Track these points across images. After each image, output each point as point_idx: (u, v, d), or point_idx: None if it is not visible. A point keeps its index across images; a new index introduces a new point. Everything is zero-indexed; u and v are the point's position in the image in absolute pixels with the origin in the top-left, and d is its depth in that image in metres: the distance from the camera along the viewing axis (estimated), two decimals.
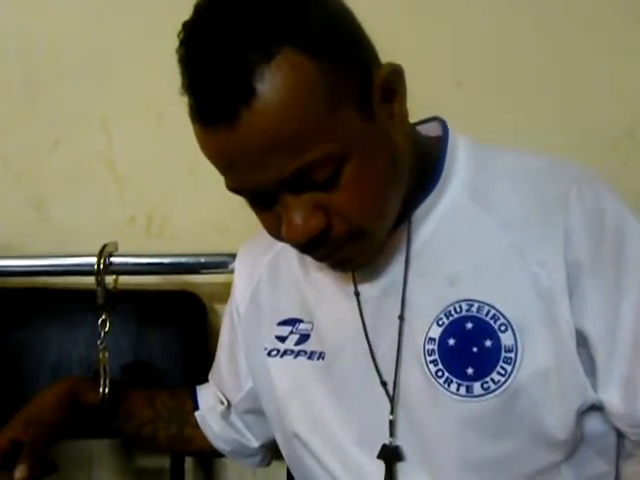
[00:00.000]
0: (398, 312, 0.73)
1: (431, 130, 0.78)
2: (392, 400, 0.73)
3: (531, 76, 1.17)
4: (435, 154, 0.75)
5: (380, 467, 0.72)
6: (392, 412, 0.72)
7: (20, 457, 0.82)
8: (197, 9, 0.63)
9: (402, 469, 0.72)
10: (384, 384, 0.73)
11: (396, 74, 0.67)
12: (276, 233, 0.69)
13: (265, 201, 0.67)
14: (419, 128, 0.79)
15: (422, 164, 0.74)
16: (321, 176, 0.63)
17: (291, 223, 0.65)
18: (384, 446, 0.72)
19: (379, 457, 0.72)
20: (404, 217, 0.74)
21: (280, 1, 0.61)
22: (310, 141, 0.61)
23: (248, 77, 0.58)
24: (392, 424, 0.72)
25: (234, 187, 0.66)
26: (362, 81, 0.64)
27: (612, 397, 0.68)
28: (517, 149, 0.77)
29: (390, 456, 0.72)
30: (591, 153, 1.16)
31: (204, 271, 1.13)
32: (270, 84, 0.58)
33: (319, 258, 0.72)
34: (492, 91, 1.18)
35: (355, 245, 0.68)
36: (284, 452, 0.86)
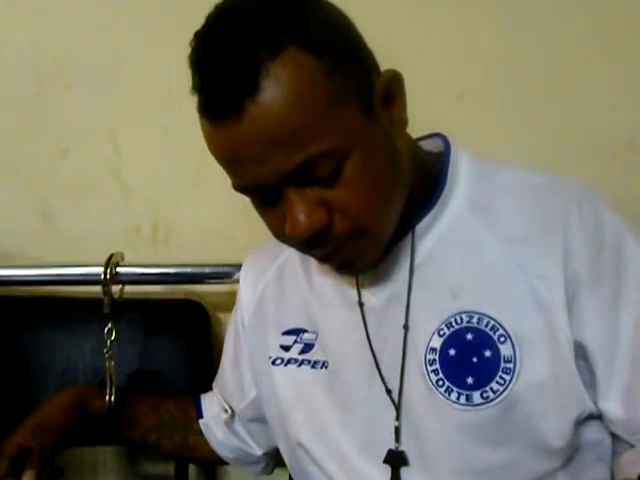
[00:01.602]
0: (402, 321, 0.74)
1: (433, 146, 0.80)
2: (398, 407, 0.74)
3: (531, 87, 1.18)
4: (437, 169, 0.76)
5: (382, 473, 0.74)
6: (397, 418, 0.74)
7: (28, 463, 0.84)
8: (208, 18, 0.66)
9: (405, 474, 0.73)
10: (389, 392, 0.74)
11: (395, 81, 0.69)
12: (281, 234, 0.70)
13: (270, 199, 0.68)
14: (421, 143, 0.80)
15: (424, 178, 0.75)
16: (323, 171, 0.65)
17: (294, 219, 0.66)
18: (390, 451, 0.74)
19: (385, 462, 0.74)
20: (407, 229, 0.75)
21: (284, 7, 0.64)
22: (313, 135, 0.63)
23: (254, 73, 0.61)
24: (397, 430, 0.74)
25: (240, 185, 0.68)
26: (363, 84, 0.67)
27: (613, 407, 0.70)
28: (518, 165, 0.78)
29: (396, 461, 0.73)
30: (592, 164, 1.17)
31: (209, 281, 1.14)
32: (275, 80, 0.61)
33: (322, 258, 0.72)
34: (493, 102, 1.19)
35: (357, 245, 0.69)
36: (287, 460, 0.86)
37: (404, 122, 0.71)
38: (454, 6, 1.18)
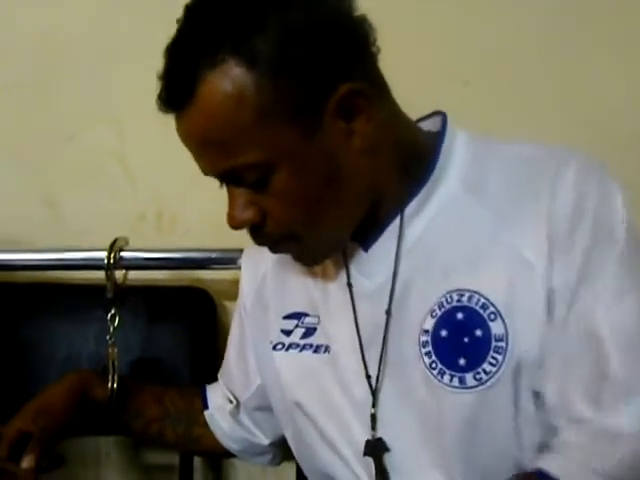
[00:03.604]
0: (386, 307, 0.74)
1: (434, 125, 0.78)
2: (374, 394, 0.73)
3: (540, 75, 1.17)
4: (433, 148, 0.75)
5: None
6: (373, 406, 0.73)
7: (28, 447, 0.83)
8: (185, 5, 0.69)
9: (389, 461, 0.72)
10: (368, 377, 0.74)
11: (357, 93, 0.67)
12: None
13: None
14: (423, 124, 0.79)
15: (418, 160, 0.74)
16: (249, 179, 0.69)
17: (229, 210, 0.72)
18: (367, 442, 0.73)
19: (365, 454, 0.73)
20: (397, 212, 0.74)
21: (248, 9, 0.65)
22: (235, 149, 0.66)
23: (194, 79, 0.65)
24: (373, 417, 0.73)
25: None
26: (311, 97, 0.66)
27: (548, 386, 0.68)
28: (519, 141, 0.76)
29: (375, 450, 0.73)
30: (602, 152, 1.15)
31: (214, 267, 1.14)
32: (209, 89, 0.65)
33: (269, 249, 0.76)
34: (499, 90, 1.18)
35: (292, 245, 0.73)
36: (293, 448, 0.86)
37: (368, 135, 0.69)
38: None
